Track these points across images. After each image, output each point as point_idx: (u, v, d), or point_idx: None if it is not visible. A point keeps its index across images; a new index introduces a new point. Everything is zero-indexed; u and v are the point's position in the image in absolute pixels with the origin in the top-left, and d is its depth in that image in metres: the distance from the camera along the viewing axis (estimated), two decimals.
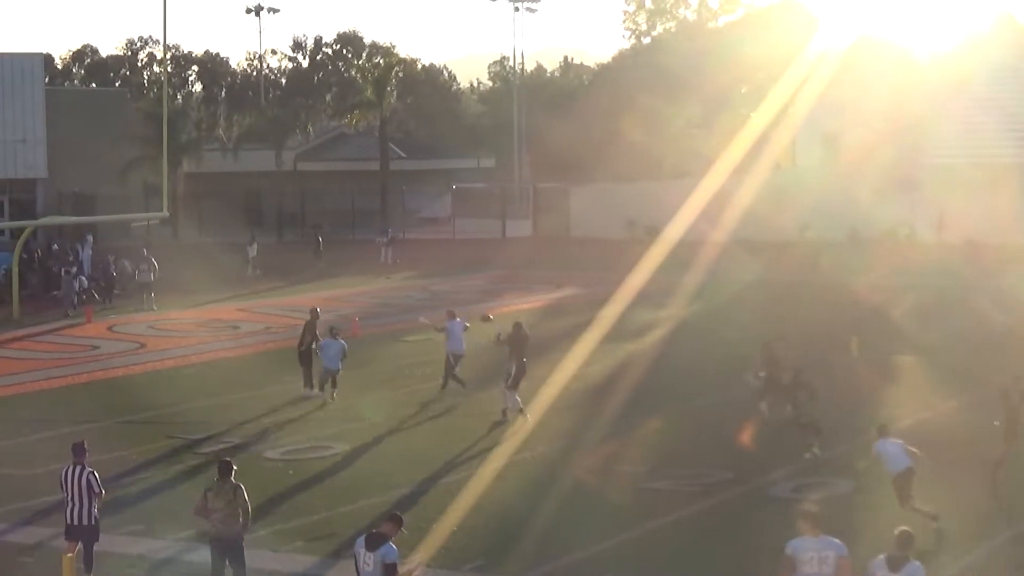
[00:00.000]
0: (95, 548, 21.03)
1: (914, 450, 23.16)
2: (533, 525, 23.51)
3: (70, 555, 20.17)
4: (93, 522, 20.92)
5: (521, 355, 32.86)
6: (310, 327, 36.99)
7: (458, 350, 36.17)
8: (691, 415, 32.47)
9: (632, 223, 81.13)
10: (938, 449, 25.39)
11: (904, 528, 16.12)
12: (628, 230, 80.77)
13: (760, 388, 32.61)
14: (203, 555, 20.63)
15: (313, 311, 37.80)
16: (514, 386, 32.56)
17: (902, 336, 43.78)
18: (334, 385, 35.45)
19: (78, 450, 21.15)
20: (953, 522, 23.08)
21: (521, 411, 32.26)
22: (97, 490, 20.87)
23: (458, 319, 36.82)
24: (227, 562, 19.74)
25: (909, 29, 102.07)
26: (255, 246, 70.46)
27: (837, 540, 16.51)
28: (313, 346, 36.29)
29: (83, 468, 20.90)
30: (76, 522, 20.86)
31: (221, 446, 30.21)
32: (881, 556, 15.90)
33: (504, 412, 32.49)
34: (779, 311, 44.12)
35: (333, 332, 36.25)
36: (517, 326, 33.89)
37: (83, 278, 57.96)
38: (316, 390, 35.68)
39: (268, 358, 42.69)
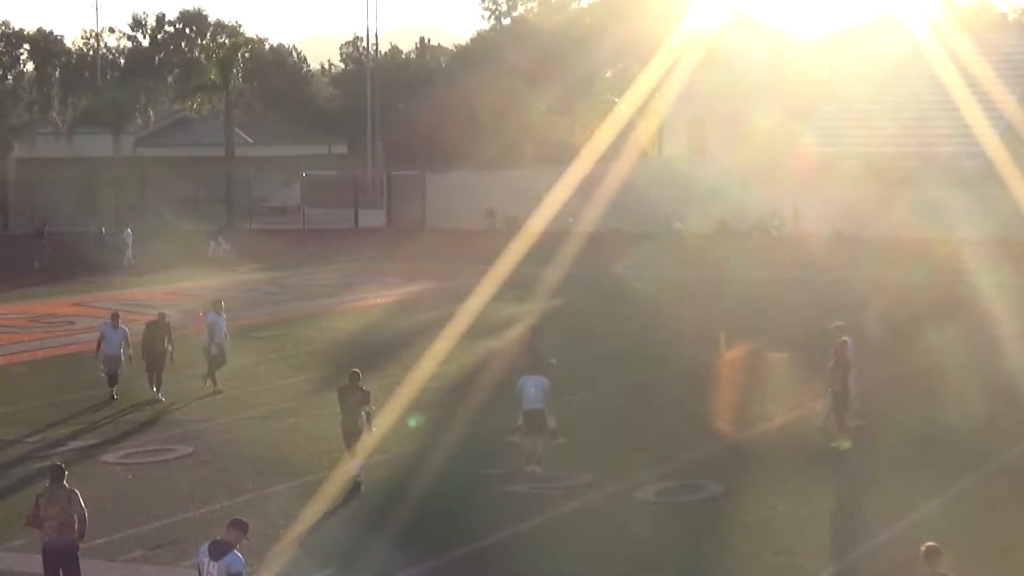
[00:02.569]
0: None
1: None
2: (388, 529, 23.52)
3: None
4: None
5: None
6: (157, 327, 36.25)
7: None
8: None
9: (491, 213, 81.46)
10: (803, 449, 25.85)
11: (931, 544, 16.02)
12: (487, 220, 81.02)
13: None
14: (34, 565, 20.44)
15: (161, 315, 37.23)
16: None
17: (769, 331, 44.34)
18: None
19: None
20: (825, 523, 23.45)
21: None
22: None
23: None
24: (60, 573, 19.40)
25: (784, 14, 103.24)
26: (129, 232, 70.87)
27: None
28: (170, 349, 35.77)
29: None
30: None
31: (56, 449, 29.90)
32: None
33: None
34: (643, 305, 44.51)
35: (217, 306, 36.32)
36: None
37: None
38: (156, 393, 35.34)
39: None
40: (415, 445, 29.95)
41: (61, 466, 19.87)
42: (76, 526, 19.33)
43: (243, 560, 16.70)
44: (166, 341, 35.76)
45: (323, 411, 33.90)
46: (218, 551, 16.59)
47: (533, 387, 26.22)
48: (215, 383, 35.91)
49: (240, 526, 17.02)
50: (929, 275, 56.02)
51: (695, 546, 23.00)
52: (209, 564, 16.54)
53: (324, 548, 22.92)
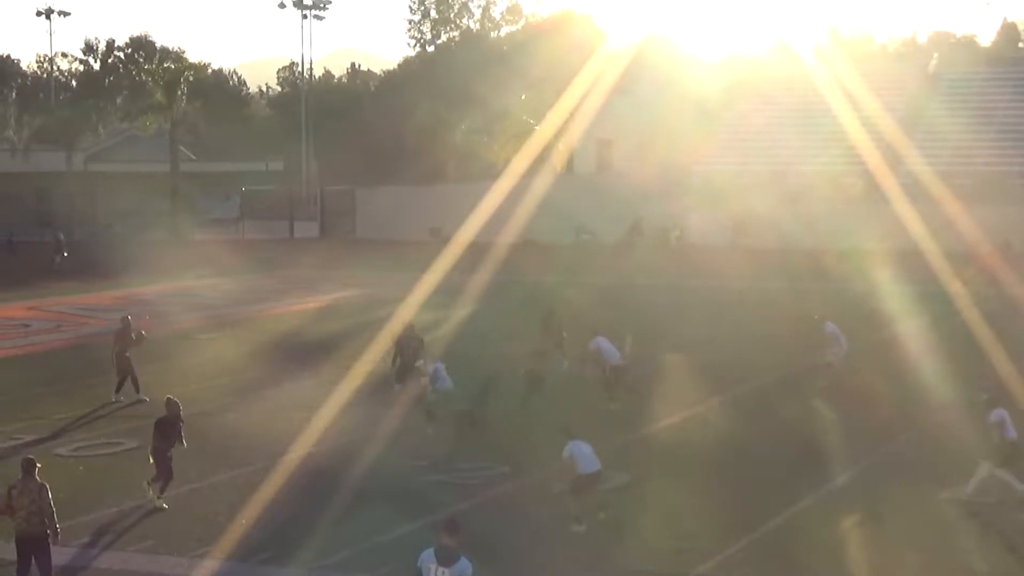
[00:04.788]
0: None
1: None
2: (320, 518, 23.45)
3: None
4: None
5: None
6: (124, 334, 35.86)
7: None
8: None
9: (437, 231, 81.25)
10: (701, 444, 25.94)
11: None
12: (413, 232, 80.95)
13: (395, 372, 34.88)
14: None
15: (124, 319, 36.84)
16: None
17: (673, 335, 44.53)
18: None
19: None
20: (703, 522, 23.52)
21: None
22: None
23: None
24: (32, 560, 19.19)
25: (690, 41, 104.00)
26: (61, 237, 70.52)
27: None
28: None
29: None
30: None
31: (10, 443, 29.61)
32: None
33: None
34: (558, 311, 44.39)
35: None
36: None
37: None
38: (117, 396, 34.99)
39: (59, 356, 41.94)
40: (348, 439, 29.84)
41: (32, 459, 19.64)
42: (47, 521, 19.13)
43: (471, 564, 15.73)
44: (133, 340, 35.37)
45: (260, 407, 33.81)
46: (448, 557, 15.56)
47: (589, 448, 23.37)
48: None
49: (459, 529, 15.98)
50: (818, 283, 56.42)
51: (603, 531, 23.04)
52: (438, 570, 15.49)
53: (264, 533, 22.79)
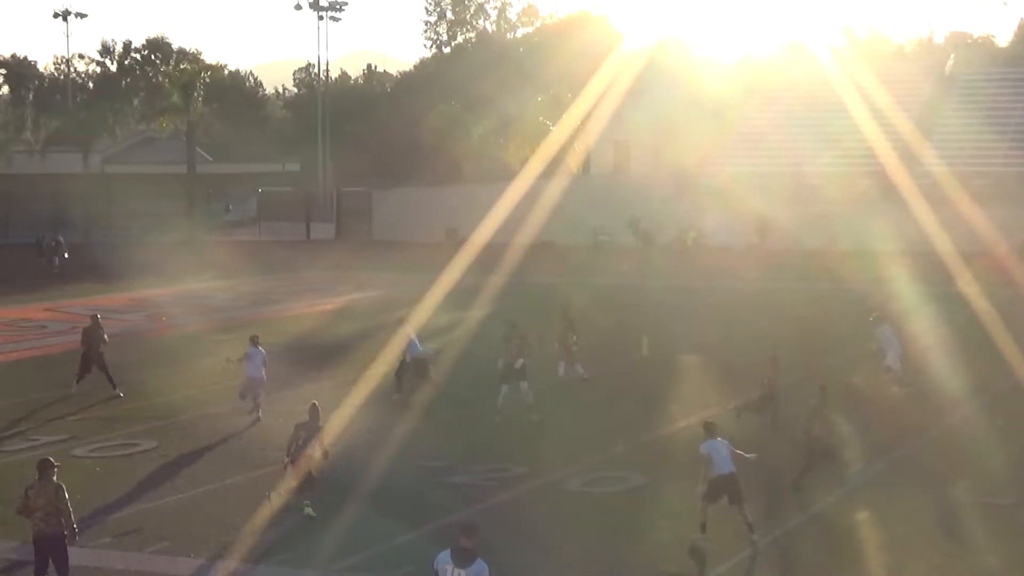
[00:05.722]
0: None
1: (739, 452, 22.99)
2: (337, 520, 23.43)
3: None
4: None
5: None
6: (94, 330, 36.25)
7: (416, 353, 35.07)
8: (488, 413, 32.54)
9: (453, 232, 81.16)
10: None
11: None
12: (429, 233, 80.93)
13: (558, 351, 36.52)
14: (14, 552, 20.26)
15: (94, 317, 37.09)
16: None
17: (691, 336, 44.45)
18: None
19: None
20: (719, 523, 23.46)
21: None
22: None
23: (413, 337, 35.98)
24: (50, 560, 19.19)
25: (706, 42, 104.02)
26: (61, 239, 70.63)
27: None
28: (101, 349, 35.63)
29: None
30: None
31: (28, 444, 29.67)
32: None
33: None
34: (574, 312, 44.35)
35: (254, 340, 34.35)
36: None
37: None
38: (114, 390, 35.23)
39: (75, 358, 41.93)
40: (364, 440, 29.83)
41: (49, 460, 19.65)
42: (64, 521, 19.14)
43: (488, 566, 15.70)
44: (103, 340, 36.00)
45: (277, 408, 33.78)
46: (464, 558, 15.56)
47: (725, 448, 22.49)
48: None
49: (476, 531, 15.98)
50: (835, 284, 56.33)
51: (620, 532, 23.02)
52: (455, 571, 15.51)
53: (280, 535, 22.80)
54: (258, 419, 32.29)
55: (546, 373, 35.87)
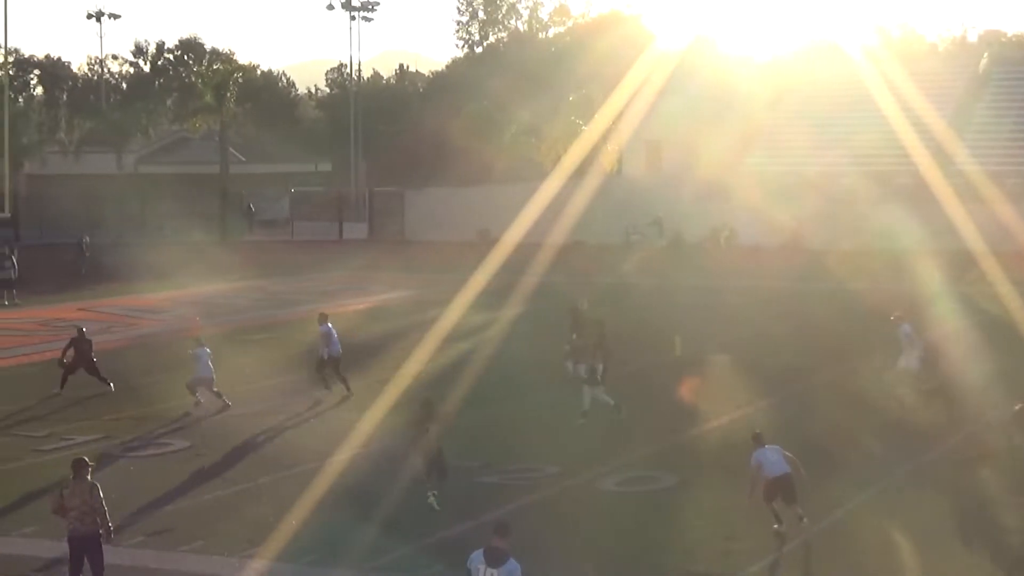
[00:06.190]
0: None
1: (790, 456, 23.15)
2: (370, 519, 23.49)
3: None
4: None
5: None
6: (83, 340, 36.67)
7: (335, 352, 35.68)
8: (520, 413, 32.60)
9: (485, 233, 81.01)
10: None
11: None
12: (461, 233, 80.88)
13: (568, 351, 35.76)
14: (43, 549, 20.33)
15: (79, 330, 37.41)
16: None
17: (722, 336, 44.40)
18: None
19: None
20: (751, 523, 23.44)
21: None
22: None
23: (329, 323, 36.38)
24: (85, 560, 19.27)
25: (736, 39, 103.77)
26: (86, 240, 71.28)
27: None
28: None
29: None
30: None
31: (62, 443, 29.82)
32: None
33: None
34: (606, 312, 44.37)
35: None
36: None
37: None
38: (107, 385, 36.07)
39: (110, 357, 42.13)
40: (396, 440, 29.86)
41: (84, 460, 19.76)
42: (99, 520, 19.24)
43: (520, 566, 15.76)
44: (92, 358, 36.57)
45: (308, 408, 33.91)
46: (496, 558, 15.64)
47: (775, 454, 22.89)
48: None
49: (510, 530, 16.10)
50: (870, 284, 56.14)
51: (652, 532, 23.04)
52: (487, 571, 15.58)
53: (313, 534, 22.86)
54: (227, 405, 33.48)
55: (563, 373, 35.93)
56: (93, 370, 36.40)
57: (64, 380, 35.96)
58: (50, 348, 44.73)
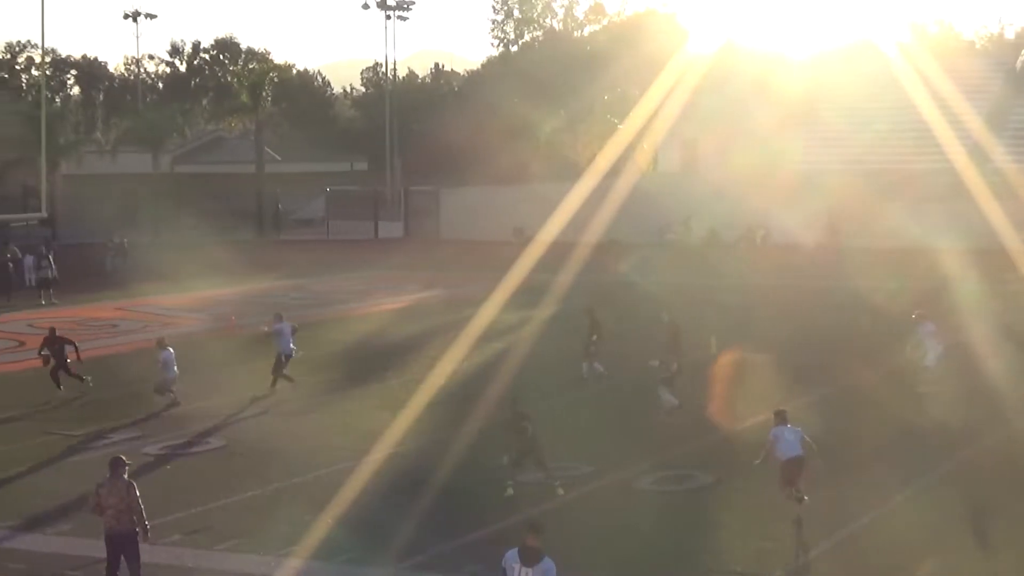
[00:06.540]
0: None
1: (809, 441, 23.34)
2: (405, 518, 23.52)
3: None
4: None
5: None
6: (56, 340, 36.89)
7: (286, 350, 36.19)
8: (554, 411, 32.59)
9: (520, 231, 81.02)
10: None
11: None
12: (496, 232, 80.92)
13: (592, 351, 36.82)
14: (78, 548, 20.39)
15: (51, 330, 37.58)
16: None
17: (758, 335, 44.27)
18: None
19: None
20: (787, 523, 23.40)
21: None
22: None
23: (286, 322, 36.73)
24: (122, 557, 19.37)
25: (772, 37, 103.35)
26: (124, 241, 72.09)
27: None
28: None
29: None
30: None
31: (101, 442, 29.96)
32: None
33: None
34: (640, 311, 44.33)
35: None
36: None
37: None
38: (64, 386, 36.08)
39: (146, 356, 42.28)
40: (431, 438, 29.94)
41: (121, 458, 19.84)
42: (136, 519, 19.32)
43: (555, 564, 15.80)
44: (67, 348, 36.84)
45: (345, 407, 34.02)
46: (531, 557, 15.65)
47: (792, 435, 23.22)
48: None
49: (543, 529, 16.14)
50: (906, 283, 55.92)
51: (688, 531, 23.03)
52: (522, 570, 15.61)
53: (349, 533, 22.91)
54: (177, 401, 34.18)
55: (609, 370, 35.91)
56: (65, 369, 36.48)
57: (57, 381, 36.16)
58: (87, 347, 45.00)
